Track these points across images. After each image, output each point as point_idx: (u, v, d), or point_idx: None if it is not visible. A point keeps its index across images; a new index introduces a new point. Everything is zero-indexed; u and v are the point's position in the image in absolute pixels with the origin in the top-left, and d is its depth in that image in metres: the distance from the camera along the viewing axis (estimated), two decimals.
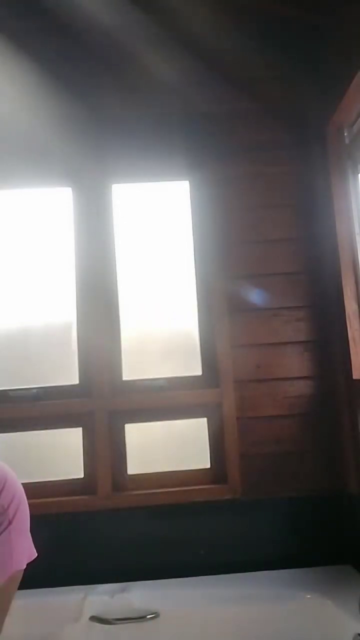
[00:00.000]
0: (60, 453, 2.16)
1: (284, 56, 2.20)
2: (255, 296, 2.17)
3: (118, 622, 1.81)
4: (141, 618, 1.81)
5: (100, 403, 2.11)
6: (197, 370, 2.20)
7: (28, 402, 2.11)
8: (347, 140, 2.13)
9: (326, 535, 2.05)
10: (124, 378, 2.18)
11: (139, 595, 1.87)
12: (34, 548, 1.18)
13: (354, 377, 2.00)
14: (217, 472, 2.12)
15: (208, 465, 2.14)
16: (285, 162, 2.25)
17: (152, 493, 2.06)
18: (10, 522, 1.10)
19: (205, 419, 2.16)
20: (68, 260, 2.24)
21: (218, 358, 2.14)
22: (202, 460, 2.14)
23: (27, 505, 1.17)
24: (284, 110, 2.27)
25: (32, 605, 1.85)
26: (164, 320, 2.25)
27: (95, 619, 1.82)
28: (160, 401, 2.13)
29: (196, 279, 2.24)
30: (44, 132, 2.13)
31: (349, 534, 2.02)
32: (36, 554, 1.18)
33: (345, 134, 2.13)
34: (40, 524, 1.99)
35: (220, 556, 2.02)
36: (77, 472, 2.11)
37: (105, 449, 2.08)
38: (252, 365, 2.14)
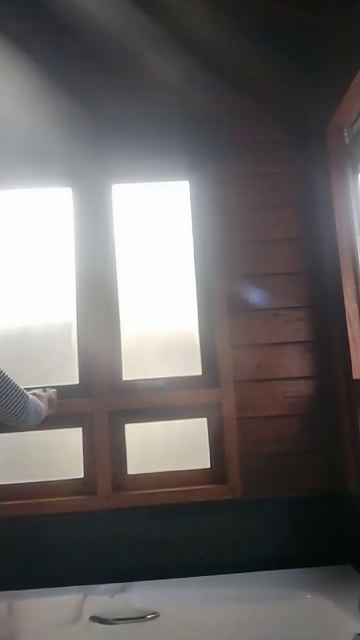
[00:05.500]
0: (60, 453, 2.16)
1: (284, 56, 2.19)
2: (255, 296, 2.17)
3: (118, 622, 1.81)
4: (141, 618, 1.82)
5: (100, 403, 2.11)
6: (197, 370, 2.19)
7: None
8: (347, 140, 2.13)
9: (326, 535, 2.05)
10: (124, 378, 2.18)
11: (139, 595, 1.87)
12: None
13: (354, 377, 2.00)
14: (217, 472, 2.12)
15: (208, 465, 2.14)
16: (285, 162, 2.25)
17: (152, 493, 2.06)
18: None
19: (205, 419, 2.16)
20: (68, 260, 2.24)
21: (218, 358, 2.14)
22: (202, 460, 2.14)
23: None
24: (284, 110, 2.27)
25: (32, 605, 1.86)
26: (164, 320, 2.25)
27: (95, 619, 1.82)
28: (160, 401, 2.13)
29: (196, 279, 2.24)
30: (44, 132, 2.13)
31: (349, 534, 2.01)
32: None
33: (345, 134, 2.13)
34: (41, 524, 2.02)
35: (220, 556, 2.02)
36: (77, 472, 2.11)
37: (105, 449, 2.08)
38: (252, 365, 2.13)
